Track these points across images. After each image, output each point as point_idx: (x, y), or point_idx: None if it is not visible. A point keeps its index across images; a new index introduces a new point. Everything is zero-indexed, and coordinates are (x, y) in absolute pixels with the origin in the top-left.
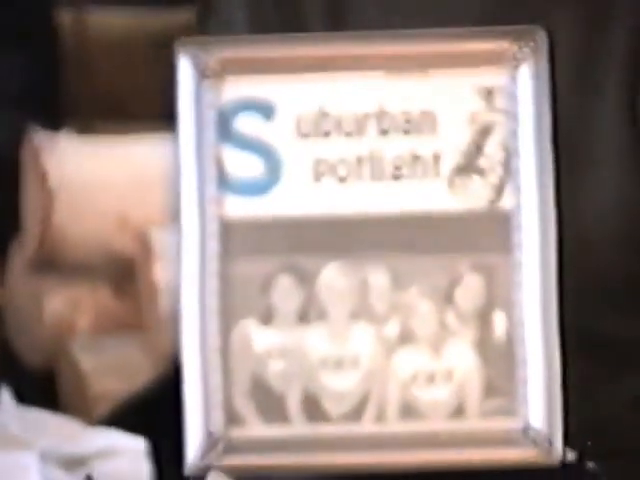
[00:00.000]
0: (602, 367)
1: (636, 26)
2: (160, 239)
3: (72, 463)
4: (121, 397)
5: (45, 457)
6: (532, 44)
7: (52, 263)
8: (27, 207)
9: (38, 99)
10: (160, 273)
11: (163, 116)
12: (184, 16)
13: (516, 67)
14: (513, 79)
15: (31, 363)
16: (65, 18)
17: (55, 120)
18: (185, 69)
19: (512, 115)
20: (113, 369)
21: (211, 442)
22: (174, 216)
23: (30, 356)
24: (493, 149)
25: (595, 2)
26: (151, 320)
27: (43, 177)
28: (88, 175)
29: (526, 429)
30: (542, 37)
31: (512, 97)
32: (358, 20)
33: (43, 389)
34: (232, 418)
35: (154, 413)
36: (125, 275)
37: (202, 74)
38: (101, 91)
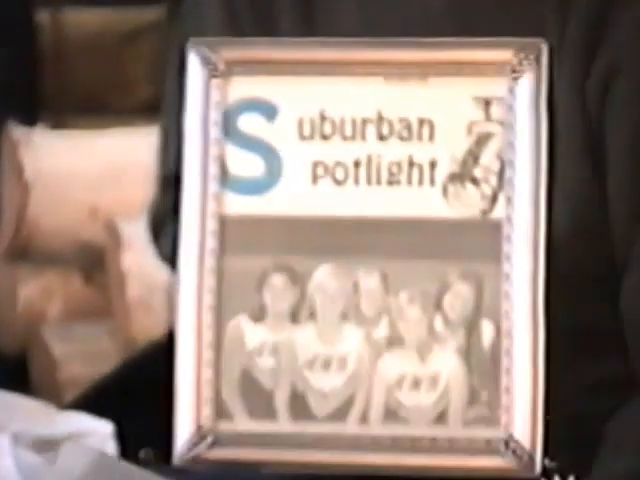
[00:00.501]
0: (558, 354)
1: (587, 17)
2: (129, 229)
3: (43, 445)
4: (90, 381)
5: (17, 439)
6: (534, 57)
7: (26, 252)
8: (3, 199)
9: (16, 95)
10: (129, 262)
11: (135, 111)
12: (156, 13)
13: (516, 79)
14: (512, 91)
15: (4, 349)
16: (42, 17)
17: (32, 115)
18: (194, 68)
19: (509, 126)
20: (83, 354)
21: (200, 435)
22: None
23: (3, 342)
24: (489, 159)
25: None
26: (119, 307)
27: (19, 170)
28: (62, 168)
29: (508, 439)
30: (544, 50)
31: (510, 108)
32: (329, 22)
33: (15, 373)
34: (221, 412)
35: (121, 397)
36: (95, 264)
37: (210, 74)
38: (76, 87)
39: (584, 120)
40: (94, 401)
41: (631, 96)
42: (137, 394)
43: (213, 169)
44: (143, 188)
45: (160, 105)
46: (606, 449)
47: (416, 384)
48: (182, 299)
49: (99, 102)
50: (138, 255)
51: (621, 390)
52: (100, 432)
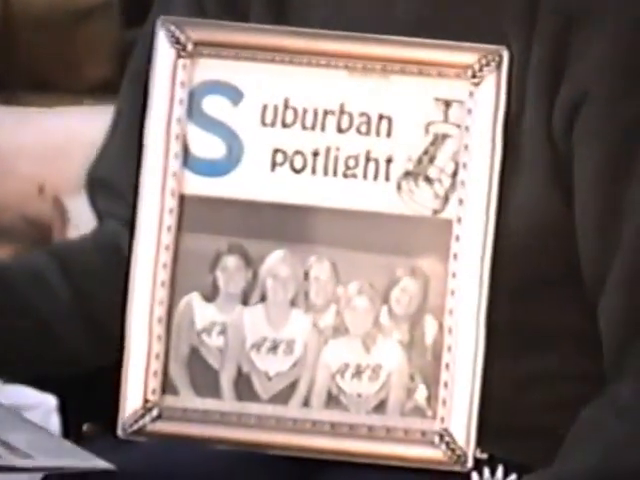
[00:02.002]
0: (496, 351)
1: (554, 33)
2: (75, 206)
3: None
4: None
5: None
6: (496, 63)
7: None
8: None
9: None
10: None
11: (84, 90)
12: None
13: (477, 84)
14: (472, 95)
15: None
16: None
17: None
18: (162, 47)
19: (466, 129)
20: None
21: (145, 408)
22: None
23: None
24: (444, 160)
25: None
26: None
27: None
28: (10, 144)
29: (442, 432)
30: (506, 57)
31: (469, 112)
32: (299, 10)
33: None
34: (167, 387)
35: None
36: (42, 239)
37: (178, 53)
38: (25, 65)
39: (549, 139)
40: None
41: (599, 119)
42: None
43: (175, 148)
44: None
45: (122, 81)
46: (568, 446)
47: (358, 373)
48: (137, 273)
49: (48, 80)
50: (84, 231)
51: (554, 385)
52: (44, 405)
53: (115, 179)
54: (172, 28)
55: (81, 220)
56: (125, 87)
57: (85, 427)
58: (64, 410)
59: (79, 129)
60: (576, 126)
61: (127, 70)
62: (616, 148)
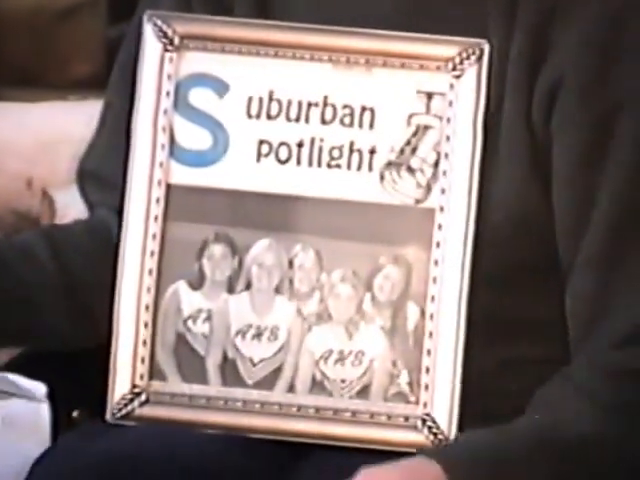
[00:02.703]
0: (477, 337)
1: (534, 24)
2: (64, 200)
3: None
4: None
5: None
6: (476, 56)
7: None
8: None
9: None
10: None
11: (69, 86)
12: None
13: (458, 76)
14: (453, 87)
15: None
16: None
17: None
18: (150, 41)
19: (448, 121)
20: None
21: (134, 393)
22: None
23: None
24: (426, 151)
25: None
26: None
27: None
28: None
29: (425, 417)
30: (487, 50)
31: (450, 104)
32: (282, 5)
33: None
34: (155, 373)
35: (56, 356)
36: None
37: (165, 47)
38: (11, 61)
39: (529, 129)
40: (29, 362)
41: (574, 107)
42: (73, 354)
43: (162, 139)
44: (76, 159)
45: (108, 76)
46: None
47: (342, 359)
48: (125, 262)
49: (34, 76)
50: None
51: (532, 370)
52: (33, 393)
53: (105, 170)
54: (159, 22)
55: (69, 212)
56: (113, 80)
57: (75, 413)
58: (53, 397)
59: (65, 124)
60: (554, 114)
61: (115, 63)
62: (591, 135)
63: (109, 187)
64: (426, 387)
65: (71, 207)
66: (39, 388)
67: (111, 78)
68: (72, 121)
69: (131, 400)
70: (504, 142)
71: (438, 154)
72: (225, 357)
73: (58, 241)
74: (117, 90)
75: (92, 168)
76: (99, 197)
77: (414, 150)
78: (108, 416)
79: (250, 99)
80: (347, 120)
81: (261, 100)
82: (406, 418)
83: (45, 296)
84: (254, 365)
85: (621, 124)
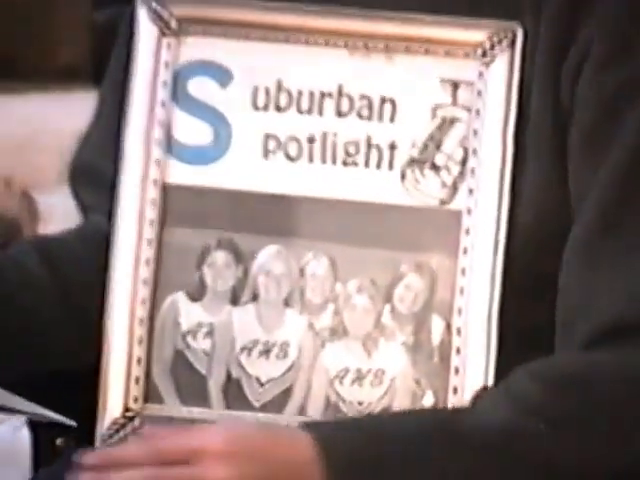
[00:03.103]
0: (508, 352)
1: (555, 16)
2: (46, 201)
3: None
4: None
5: None
6: (508, 40)
7: None
8: None
9: None
10: (45, 232)
11: (53, 76)
12: None
13: (488, 63)
14: (482, 75)
15: None
16: None
17: None
18: (144, 25)
19: (476, 113)
20: None
21: (126, 417)
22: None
23: None
24: (452, 146)
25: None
26: None
27: None
28: None
29: None
30: (520, 34)
31: (479, 94)
32: None
33: None
34: (150, 394)
35: (36, 380)
36: (11, 235)
37: (161, 31)
38: None
39: (557, 117)
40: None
41: (590, 84)
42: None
43: (158, 133)
44: (61, 157)
45: (105, 68)
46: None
47: (359, 378)
48: (116, 271)
49: (13, 64)
50: (56, 228)
51: None
52: (13, 419)
53: (100, 169)
54: (154, 4)
55: (52, 215)
56: (110, 69)
57: (59, 441)
58: (35, 423)
59: (48, 117)
60: (575, 93)
61: (113, 51)
62: (601, 114)
63: (105, 188)
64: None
65: (55, 210)
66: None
67: (108, 66)
68: (55, 114)
69: (123, 425)
70: (531, 134)
71: (465, 150)
72: (229, 377)
73: (52, 255)
74: (113, 80)
75: (86, 167)
76: (94, 199)
77: (439, 145)
78: (98, 443)
79: (256, 89)
80: (364, 112)
81: (268, 90)
82: None
83: (42, 313)
84: (261, 385)
85: (636, 101)
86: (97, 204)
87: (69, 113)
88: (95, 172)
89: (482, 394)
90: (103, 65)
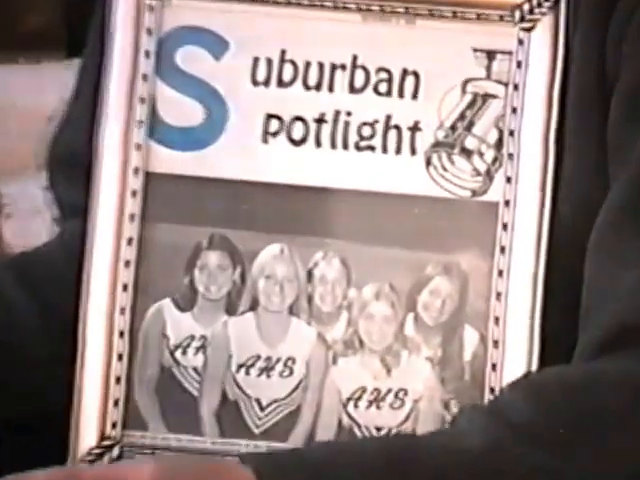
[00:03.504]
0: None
1: None
2: (12, 192)
3: None
4: None
5: None
6: (551, 1)
7: None
8: None
9: None
10: (11, 232)
11: (18, 43)
12: None
13: (529, 29)
14: (522, 43)
15: None
16: None
17: None
18: None
19: (515, 88)
20: None
21: (104, 447)
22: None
23: None
24: (485, 127)
25: None
26: None
27: None
28: None
29: None
30: None
31: (518, 66)
32: None
33: None
34: (132, 420)
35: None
36: None
37: None
38: None
39: (601, 87)
40: None
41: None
42: (27, 393)
43: (139, 113)
44: (29, 141)
45: (66, 34)
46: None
47: (377, 400)
48: (92, 274)
49: None
50: (23, 224)
51: None
52: None
53: (83, 158)
54: None
55: (18, 208)
56: (90, 37)
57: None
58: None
59: (13, 93)
60: (620, 60)
61: (92, 19)
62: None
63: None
64: None
65: (21, 202)
66: None
67: (88, 36)
68: (23, 89)
69: (100, 455)
70: (572, 111)
71: (501, 131)
72: (224, 398)
73: (29, 274)
74: (94, 51)
75: (66, 156)
76: (75, 194)
77: (470, 126)
78: None
79: (256, 61)
80: (383, 88)
81: (270, 62)
82: None
83: (25, 342)
84: (262, 409)
85: None
86: (78, 200)
87: (39, 89)
88: (77, 162)
89: (461, 413)
90: (77, 32)
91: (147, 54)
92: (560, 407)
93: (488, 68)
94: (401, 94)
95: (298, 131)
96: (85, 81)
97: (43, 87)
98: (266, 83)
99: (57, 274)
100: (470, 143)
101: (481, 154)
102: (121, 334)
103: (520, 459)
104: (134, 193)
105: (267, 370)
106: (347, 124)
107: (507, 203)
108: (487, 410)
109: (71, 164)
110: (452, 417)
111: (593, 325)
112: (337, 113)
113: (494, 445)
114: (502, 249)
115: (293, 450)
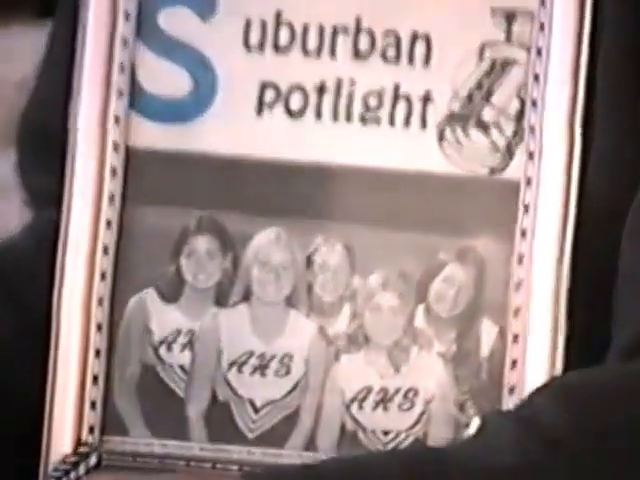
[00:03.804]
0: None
1: None
2: None
3: None
4: None
5: None
6: None
7: None
8: None
9: None
10: None
11: None
12: None
13: None
14: (544, 3)
15: None
16: None
17: None
18: None
19: (538, 53)
20: None
21: (79, 454)
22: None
23: None
24: (505, 97)
25: None
26: None
27: None
28: None
29: None
30: None
31: (541, 28)
32: None
33: None
34: (111, 424)
35: None
36: None
37: None
38: None
39: (633, 53)
40: None
41: None
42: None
43: (118, 82)
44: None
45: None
46: None
47: (385, 401)
48: (67, 262)
49: None
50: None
51: None
52: None
53: (54, 130)
54: None
55: None
56: (62, 2)
57: None
58: None
59: None
60: None
61: None
62: None
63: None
64: None
65: None
66: None
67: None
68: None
69: (75, 464)
70: (602, 78)
71: (523, 102)
72: (214, 400)
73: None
74: (69, 13)
75: (36, 130)
76: (46, 178)
77: (488, 96)
78: None
79: (248, 23)
80: (390, 53)
81: (264, 25)
82: None
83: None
84: (257, 411)
85: None
86: (52, 188)
87: (7, 54)
88: (48, 139)
89: (486, 422)
90: None
91: (126, 15)
92: (599, 418)
93: (508, 31)
94: (411, 60)
95: (296, 102)
96: (57, 46)
97: (12, 52)
98: (260, 48)
99: (29, 268)
100: (488, 115)
101: (500, 127)
102: (99, 328)
103: (556, 476)
104: (113, 171)
105: (261, 368)
106: (351, 94)
107: (529, 181)
108: (516, 419)
109: (42, 142)
110: (474, 424)
111: (630, 320)
112: (339, 82)
113: (527, 461)
114: (523, 233)
115: (303, 467)
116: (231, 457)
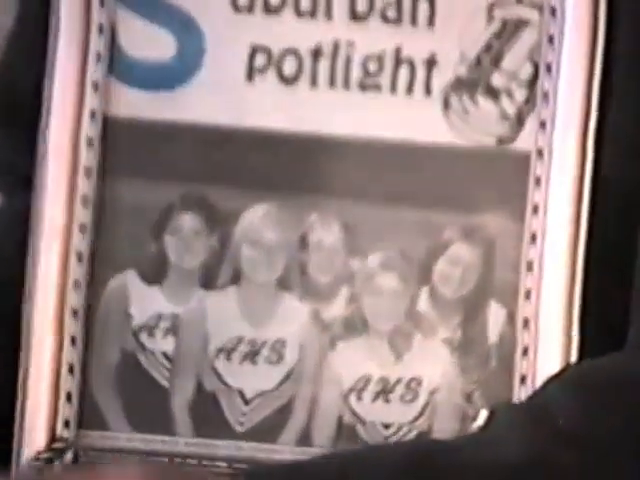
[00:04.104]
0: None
1: None
2: None
3: None
4: None
5: None
6: None
7: None
8: None
9: None
10: None
11: None
12: None
13: None
14: None
15: None
16: None
17: None
18: None
19: (552, 13)
20: None
21: (54, 450)
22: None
23: None
24: (516, 61)
25: None
26: None
27: None
28: None
29: None
30: None
31: None
32: None
33: None
34: (88, 418)
35: None
36: None
37: None
38: None
39: None
40: None
41: None
42: None
43: (96, 45)
44: None
45: None
46: None
47: (385, 391)
48: (39, 240)
49: None
50: None
51: None
52: None
53: (26, 97)
54: None
55: None
56: None
57: None
58: None
59: None
60: None
61: None
62: None
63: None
64: None
65: None
66: None
67: None
68: None
69: (50, 460)
70: (622, 40)
71: (536, 66)
72: (200, 390)
73: None
74: None
75: (5, 97)
76: (16, 152)
77: (497, 60)
78: None
79: None
80: (391, 13)
81: None
82: None
83: None
84: (246, 402)
85: None
86: (23, 164)
87: None
88: (19, 107)
89: (495, 414)
90: None
91: None
92: (617, 413)
93: None
94: (414, 21)
95: (289, 67)
96: (29, 5)
97: None
98: (250, 9)
99: (4, 253)
100: (497, 80)
101: (510, 94)
102: (74, 313)
103: (569, 473)
104: (90, 142)
105: (252, 355)
106: (348, 58)
107: (540, 153)
108: (527, 411)
109: (11, 110)
110: (482, 416)
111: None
112: (336, 45)
113: (538, 458)
114: (534, 209)
115: (296, 464)
116: (219, 453)
